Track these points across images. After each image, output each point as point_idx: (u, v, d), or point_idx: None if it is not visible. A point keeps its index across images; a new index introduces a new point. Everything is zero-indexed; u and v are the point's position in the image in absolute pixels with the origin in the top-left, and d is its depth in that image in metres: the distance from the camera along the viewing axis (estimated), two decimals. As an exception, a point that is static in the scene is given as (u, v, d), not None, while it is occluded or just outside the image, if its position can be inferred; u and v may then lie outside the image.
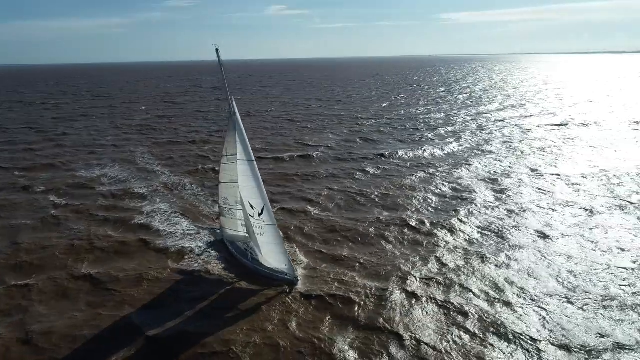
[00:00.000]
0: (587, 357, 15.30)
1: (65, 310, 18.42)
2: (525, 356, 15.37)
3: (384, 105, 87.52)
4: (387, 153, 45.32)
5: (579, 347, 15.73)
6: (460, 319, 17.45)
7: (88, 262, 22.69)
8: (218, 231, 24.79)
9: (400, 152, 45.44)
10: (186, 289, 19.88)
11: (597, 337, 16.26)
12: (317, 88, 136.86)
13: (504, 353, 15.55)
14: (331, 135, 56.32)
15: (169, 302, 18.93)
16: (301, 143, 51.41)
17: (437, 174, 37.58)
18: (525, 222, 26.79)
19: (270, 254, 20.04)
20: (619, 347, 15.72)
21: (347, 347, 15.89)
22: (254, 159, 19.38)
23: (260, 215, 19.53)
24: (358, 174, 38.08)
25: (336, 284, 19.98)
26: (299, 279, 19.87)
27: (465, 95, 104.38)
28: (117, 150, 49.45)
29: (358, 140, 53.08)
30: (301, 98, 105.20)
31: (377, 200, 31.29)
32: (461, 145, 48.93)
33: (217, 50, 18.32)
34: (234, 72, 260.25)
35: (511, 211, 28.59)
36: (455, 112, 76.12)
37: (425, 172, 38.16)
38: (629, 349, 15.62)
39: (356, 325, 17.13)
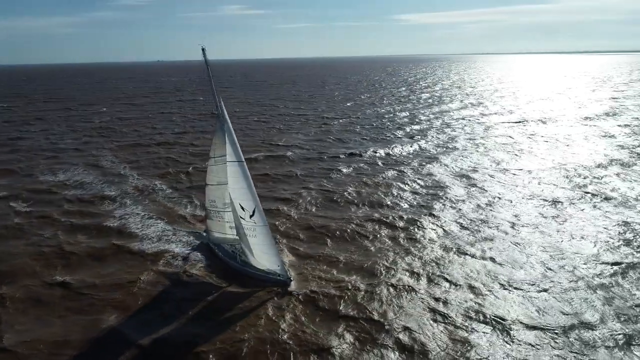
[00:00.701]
0: (557, 332, 16.50)
1: (44, 317, 17.85)
2: (501, 336, 16.41)
3: (348, 104, 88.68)
4: (357, 152, 46.13)
5: (548, 325, 16.94)
6: (440, 305, 18.32)
7: (61, 269, 21.97)
8: (204, 234, 23.99)
9: (370, 151, 46.37)
10: (172, 292, 19.65)
11: (564, 316, 17.55)
12: (281, 88, 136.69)
13: (480, 334, 16.52)
14: (300, 135, 56.61)
15: (156, 305, 18.67)
16: (271, 143, 51.40)
17: (408, 170, 38.67)
18: (494, 214, 28.17)
19: (263, 255, 19.75)
20: (584, 324, 17.08)
21: (336, 339, 16.32)
22: (244, 160, 19.25)
23: (251, 216, 19.22)
24: (331, 173, 38.57)
25: (320, 280, 20.34)
26: (292, 279, 19.77)
27: (426, 95, 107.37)
28: (79, 153, 47.66)
29: (327, 139, 53.64)
30: (266, 98, 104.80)
31: (351, 198, 31.86)
32: (428, 143, 50.50)
33: (203, 50, 18.16)
34: (194, 72, 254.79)
35: (480, 204, 29.95)
36: (419, 110, 78.27)
37: (396, 169, 39.17)
38: (592, 325, 16.98)
39: (344, 318, 17.58)
